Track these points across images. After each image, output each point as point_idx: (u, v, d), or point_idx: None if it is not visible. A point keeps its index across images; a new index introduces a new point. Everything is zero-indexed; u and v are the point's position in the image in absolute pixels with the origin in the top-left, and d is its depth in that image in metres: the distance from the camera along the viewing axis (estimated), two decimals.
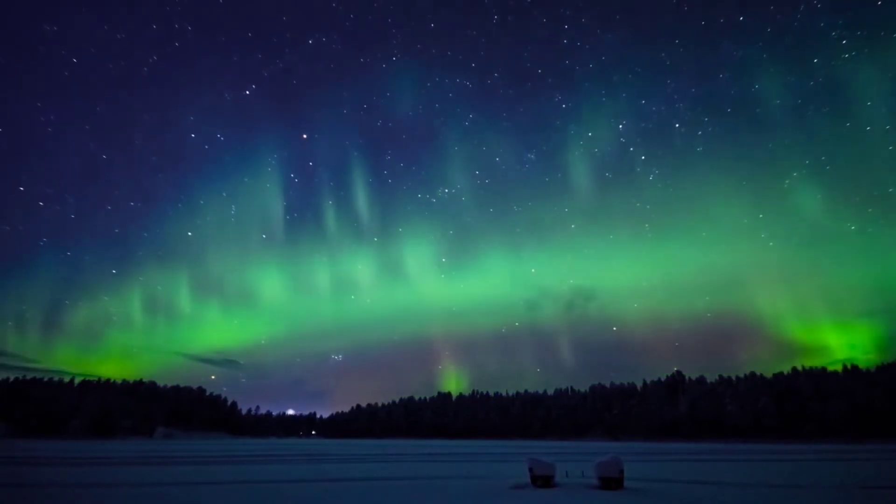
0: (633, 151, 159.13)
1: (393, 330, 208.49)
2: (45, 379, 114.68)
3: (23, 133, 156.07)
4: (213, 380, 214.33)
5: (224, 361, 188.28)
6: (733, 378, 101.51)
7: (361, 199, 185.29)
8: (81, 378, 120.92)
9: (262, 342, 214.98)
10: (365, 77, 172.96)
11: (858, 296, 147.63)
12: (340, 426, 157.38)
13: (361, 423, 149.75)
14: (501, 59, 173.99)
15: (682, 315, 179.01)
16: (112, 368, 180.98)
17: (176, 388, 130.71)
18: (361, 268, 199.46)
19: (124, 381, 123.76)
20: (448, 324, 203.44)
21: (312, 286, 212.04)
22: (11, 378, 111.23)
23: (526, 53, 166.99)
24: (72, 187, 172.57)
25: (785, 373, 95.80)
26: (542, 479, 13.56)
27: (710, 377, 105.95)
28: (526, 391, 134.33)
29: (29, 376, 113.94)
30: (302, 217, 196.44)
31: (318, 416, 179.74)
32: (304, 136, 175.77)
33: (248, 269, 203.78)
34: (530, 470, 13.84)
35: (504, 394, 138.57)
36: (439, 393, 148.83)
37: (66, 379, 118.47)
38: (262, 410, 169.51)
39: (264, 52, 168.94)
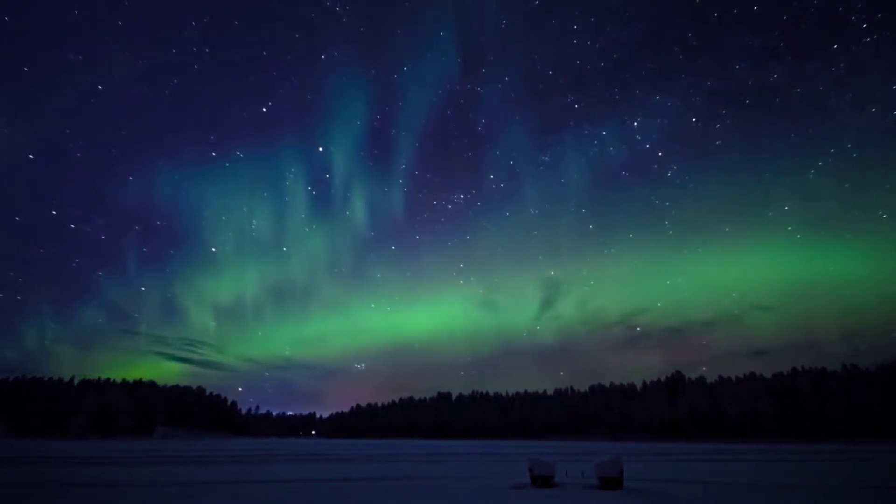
0: (650, 148, 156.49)
1: (411, 335, 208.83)
2: (46, 378, 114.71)
3: (54, 159, 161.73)
4: (240, 392, 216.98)
5: (250, 372, 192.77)
6: (733, 378, 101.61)
7: (378, 208, 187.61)
8: (82, 378, 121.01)
9: (286, 352, 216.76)
10: (377, 88, 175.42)
11: (893, 284, 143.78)
12: (340, 426, 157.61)
13: (361, 423, 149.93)
14: (511, 63, 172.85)
15: (708, 313, 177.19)
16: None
17: (176, 388, 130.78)
18: (380, 276, 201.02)
19: (124, 380, 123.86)
20: (466, 327, 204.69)
21: (332, 296, 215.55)
22: (12, 378, 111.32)
23: (536, 55, 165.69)
24: (100, 209, 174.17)
25: (785, 373, 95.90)
26: (542, 479, 13.57)
27: (710, 377, 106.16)
28: (526, 391, 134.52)
29: (29, 375, 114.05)
30: (320, 228, 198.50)
31: (317, 415, 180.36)
32: (321, 148, 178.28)
33: (270, 282, 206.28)
34: (530, 470, 13.84)
35: (504, 394, 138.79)
36: (439, 393, 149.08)
37: (66, 378, 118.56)
38: (262, 410, 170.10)
39: (279, 69, 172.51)
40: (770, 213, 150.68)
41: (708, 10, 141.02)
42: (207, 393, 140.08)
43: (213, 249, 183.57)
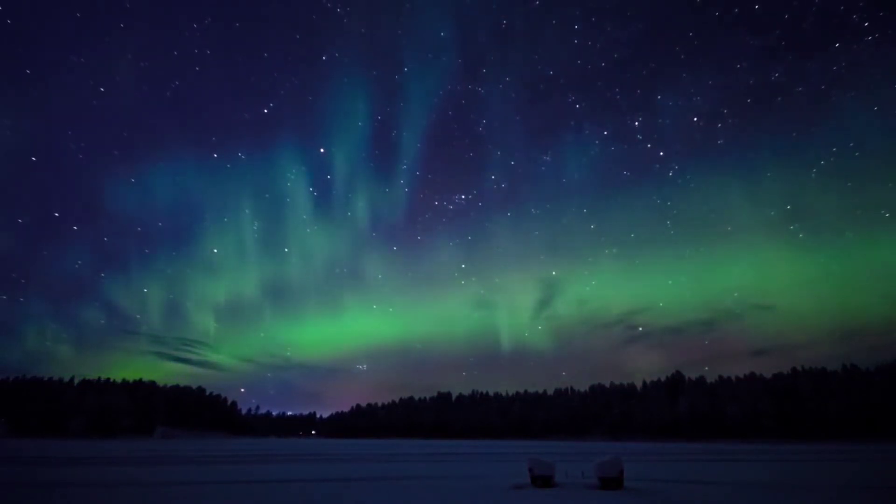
0: (651, 148, 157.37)
1: (413, 336, 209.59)
2: (46, 378, 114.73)
3: (56, 161, 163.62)
4: (242, 392, 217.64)
5: (252, 372, 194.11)
6: (733, 378, 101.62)
7: (380, 209, 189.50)
8: (82, 378, 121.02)
9: (288, 353, 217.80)
10: (378, 89, 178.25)
11: (894, 283, 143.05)
12: (340, 426, 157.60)
13: (361, 423, 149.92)
14: (512, 63, 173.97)
15: (708, 312, 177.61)
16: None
17: (176, 388, 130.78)
18: (381, 277, 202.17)
19: (124, 380, 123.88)
20: (467, 327, 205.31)
21: (333, 297, 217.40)
22: (12, 378, 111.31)
23: (537, 56, 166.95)
24: (103, 212, 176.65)
25: (784, 373, 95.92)
26: (542, 479, 13.55)
27: (710, 377, 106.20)
28: (526, 391, 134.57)
29: (29, 376, 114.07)
30: (322, 230, 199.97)
31: (318, 415, 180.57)
32: (322, 150, 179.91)
33: (271, 283, 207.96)
34: (530, 470, 13.83)
35: (504, 394, 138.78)
36: (439, 393, 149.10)
37: (67, 378, 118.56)
38: (262, 410, 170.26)
39: (280, 71, 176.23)
40: (772, 213, 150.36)
41: (709, 10, 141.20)
42: (208, 393, 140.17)
43: (215, 251, 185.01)
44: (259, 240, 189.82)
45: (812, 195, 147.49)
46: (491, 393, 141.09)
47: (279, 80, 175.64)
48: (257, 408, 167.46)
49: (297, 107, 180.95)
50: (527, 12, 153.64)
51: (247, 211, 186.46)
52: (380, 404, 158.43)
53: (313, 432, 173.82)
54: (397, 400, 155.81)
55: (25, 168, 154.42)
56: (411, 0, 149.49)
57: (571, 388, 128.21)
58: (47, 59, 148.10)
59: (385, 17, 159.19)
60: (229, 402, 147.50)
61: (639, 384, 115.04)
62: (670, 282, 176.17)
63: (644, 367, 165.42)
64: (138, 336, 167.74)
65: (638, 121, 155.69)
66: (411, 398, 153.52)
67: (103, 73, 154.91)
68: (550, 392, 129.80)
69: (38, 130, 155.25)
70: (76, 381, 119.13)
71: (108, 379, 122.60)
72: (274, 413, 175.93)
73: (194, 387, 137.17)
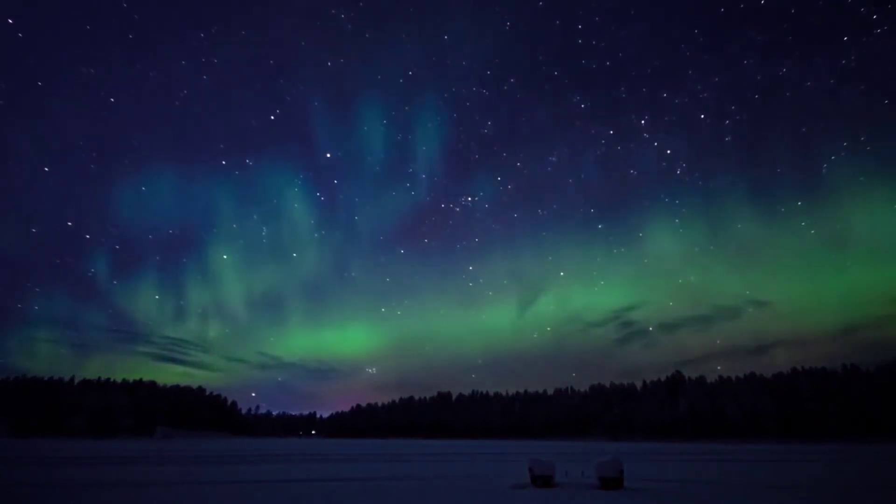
0: (658, 146, 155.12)
1: (420, 338, 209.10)
2: (46, 378, 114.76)
3: (69, 171, 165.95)
4: (253, 396, 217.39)
5: (261, 376, 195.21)
6: (733, 378, 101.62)
7: (386, 212, 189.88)
8: (82, 378, 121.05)
9: (296, 358, 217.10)
10: (383, 93, 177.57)
11: None
12: (340, 426, 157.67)
13: (361, 423, 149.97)
14: (516, 64, 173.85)
15: (721, 311, 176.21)
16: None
17: (176, 388, 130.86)
18: (390, 280, 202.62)
19: (124, 380, 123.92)
20: (474, 328, 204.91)
21: (341, 300, 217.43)
22: (12, 378, 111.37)
23: (541, 56, 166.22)
24: (115, 220, 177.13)
25: (784, 373, 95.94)
26: (542, 479, 13.56)
27: (711, 377, 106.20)
28: (526, 391, 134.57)
29: (29, 375, 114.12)
30: (330, 234, 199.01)
31: (318, 415, 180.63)
32: (328, 155, 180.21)
33: (280, 288, 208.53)
34: (530, 470, 13.84)
35: (505, 394, 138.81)
36: (439, 393, 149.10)
37: (67, 378, 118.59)
38: (262, 410, 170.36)
39: (286, 77, 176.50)
40: (783, 210, 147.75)
41: (714, 6, 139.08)
42: (208, 393, 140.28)
43: (225, 257, 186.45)
44: (267, 245, 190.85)
45: (823, 191, 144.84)
46: (491, 393, 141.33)
47: (285, 86, 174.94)
48: (257, 408, 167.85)
49: (304, 112, 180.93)
50: (530, 13, 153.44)
51: (255, 217, 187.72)
52: (380, 404, 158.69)
53: (313, 432, 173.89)
54: (397, 400, 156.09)
55: (38, 178, 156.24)
56: (415, 4, 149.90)
57: (571, 387, 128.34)
58: (58, 70, 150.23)
59: (389, 21, 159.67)
60: (229, 402, 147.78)
61: (639, 384, 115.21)
62: (679, 280, 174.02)
63: (644, 367, 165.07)
64: (152, 343, 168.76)
65: (644, 119, 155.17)
66: (411, 398, 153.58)
67: (113, 83, 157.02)
68: (550, 392, 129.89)
69: (50, 141, 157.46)
70: (76, 381, 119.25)
71: (109, 379, 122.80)
72: (274, 413, 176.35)
73: (194, 386, 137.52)
